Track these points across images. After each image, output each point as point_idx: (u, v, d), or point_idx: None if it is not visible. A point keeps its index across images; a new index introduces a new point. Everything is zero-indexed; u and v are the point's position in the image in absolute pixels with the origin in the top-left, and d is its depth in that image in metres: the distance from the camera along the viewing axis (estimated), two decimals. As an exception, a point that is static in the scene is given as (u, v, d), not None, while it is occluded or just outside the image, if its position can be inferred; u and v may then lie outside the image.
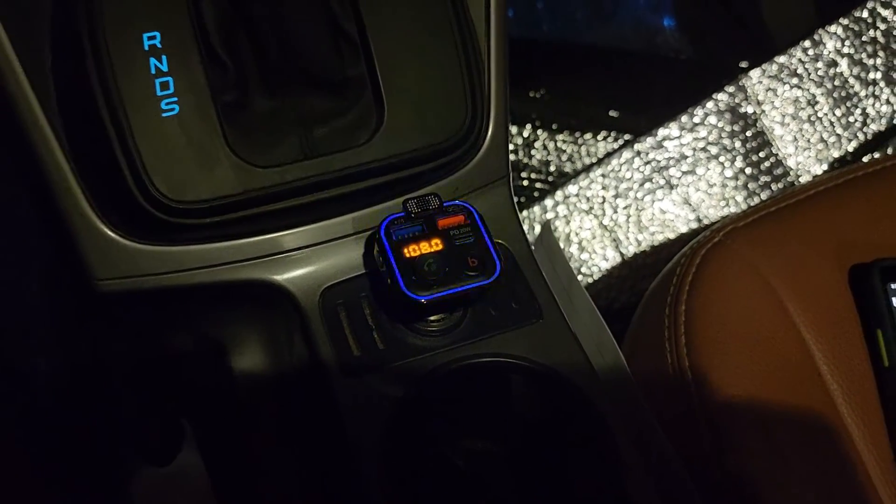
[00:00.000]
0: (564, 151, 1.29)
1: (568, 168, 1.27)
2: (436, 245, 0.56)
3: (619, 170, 1.17)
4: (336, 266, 0.62)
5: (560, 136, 1.30)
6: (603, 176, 1.18)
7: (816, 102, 1.15)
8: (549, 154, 1.29)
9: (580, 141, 1.30)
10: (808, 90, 1.15)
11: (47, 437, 0.63)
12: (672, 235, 1.16)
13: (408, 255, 0.55)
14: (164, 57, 0.55)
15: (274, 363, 0.63)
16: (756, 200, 1.16)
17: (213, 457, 0.63)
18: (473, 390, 0.59)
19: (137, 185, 0.55)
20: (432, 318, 0.59)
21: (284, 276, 0.61)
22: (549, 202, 1.18)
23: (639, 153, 1.17)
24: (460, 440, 0.57)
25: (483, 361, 0.59)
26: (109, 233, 0.57)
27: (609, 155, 1.19)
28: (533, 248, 0.67)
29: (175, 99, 0.55)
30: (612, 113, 1.34)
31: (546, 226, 0.71)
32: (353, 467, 0.56)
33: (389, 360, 0.59)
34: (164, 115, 0.55)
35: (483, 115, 0.63)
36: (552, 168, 1.28)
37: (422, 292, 0.54)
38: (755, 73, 1.16)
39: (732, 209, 1.16)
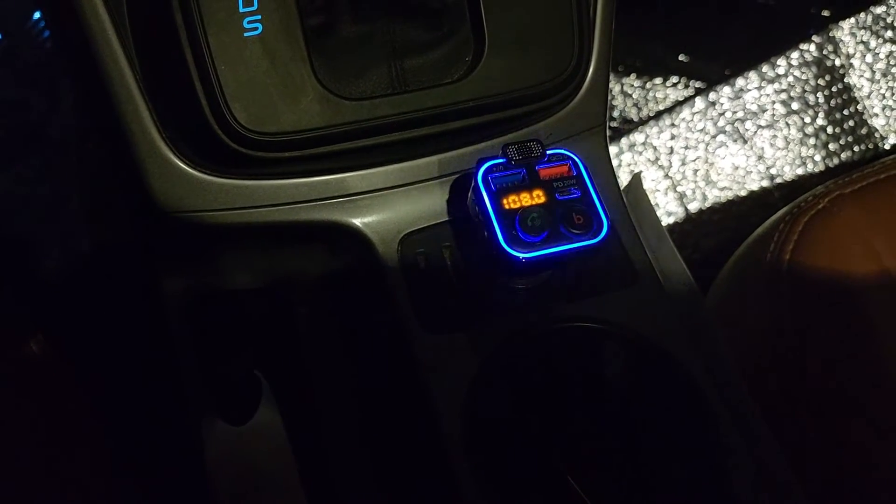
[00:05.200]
0: (630, 96, 1.22)
1: (633, 115, 1.21)
2: (538, 197, 0.50)
3: (691, 120, 1.11)
4: (418, 211, 0.57)
5: (626, 80, 1.23)
6: (672, 125, 1.11)
7: (912, 59, 1.08)
8: (613, 97, 1.22)
9: (647, 85, 1.22)
10: (904, 46, 1.07)
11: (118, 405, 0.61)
12: (742, 193, 1.10)
13: (507, 207, 0.50)
14: (248, -32, 0.49)
15: (345, 314, 0.59)
16: (836, 161, 1.09)
17: (288, 412, 0.59)
18: (562, 354, 0.55)
19: (214, 113, 0.50)
20: (522, 274, 0.54)
21: (362, 220, 0.56)
22: (613, 149, 1.12)
23: (713, 103, 1.10)
24: (545, 406, 0.53)
25: (573, 326, 0.55)
26: (179, 163, 0.53)
27: (680, 103, 1.12)
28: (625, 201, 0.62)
29: (259, 17, 0.50)
30: (682, 57, 1.27)
31: (636, 177, 0.66)
32: (434, 427, 0.52)
33: (473, 316, 0.55)
34: (245, 34, 0.50)
35: (587, 56, 0.58)
36: (616, 113, 1.21)
37: (522, 249, 0.49)
38: (846, 24, 1.08)
39: (809, 168, 1.09)
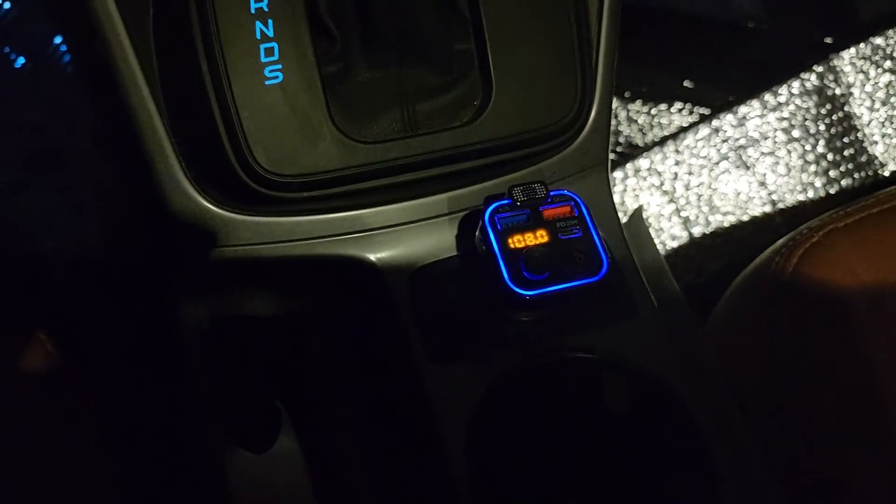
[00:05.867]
0: (635, 121, 1.25)
1: (639, 140, 1.23)
2: (541, 237, 0.53)
3: (695, 146, 1.13)
4: (428, 246, 0.60)
5: (631, 105, 1.26)
6: (677, 151, 1.14)
7: (911, 89, 1.10)
8: (619, 123, 1.24)
9: (653, 111, 1.25)
10: (903, 76, 1.10)
11: (135, 422, 0.63)
12: (745, 218, 1.12)
13: (512, 246, 0.53)
14: (270, 21, 0.53)
15: (357, 345, 0.62)
16: (836, 188, 1.11)
17: (305, 440, 0.62)
18: (563, 385, 0.57)
19: (237, 156, 0.53)
20: (526, 308, 0.57)
21: (375, 254, 0.59)
22: (618, 174, 1.14)
23: (717, 130, 1.13)
24: (547, 434, 0.56)
25: (575, 357, 0.57)
26: (202, 201, 0.56)
27: (684, 130, 1.15)
28: (626, 236, 0.65)
29: (279, 66, 0.53)
30: (687, 83, 1.29)
31: (638, 211, 0.69)
32: (440, 455, 0.54)
33: (479, 348, 0.57)
34: (267, 82, 0.53)
35: (590, 97, 0.60)
36: (621, 139, 1.24)
37: (526, 287, 0.52)
38: (847, 54, 1.11)
39: (810, 195, 1.12)
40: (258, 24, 0.52)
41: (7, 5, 1.14)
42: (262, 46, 0.52)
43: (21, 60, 1.15)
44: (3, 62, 1.14)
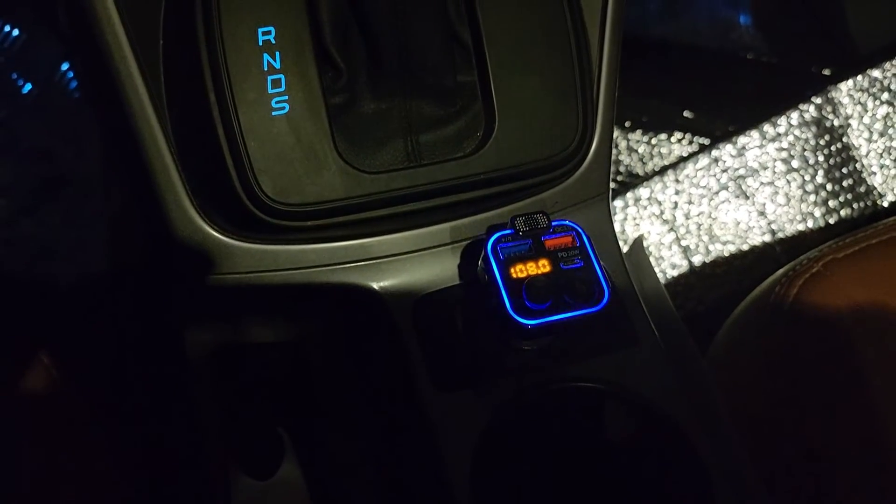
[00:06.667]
0: (636, 151, 1.26)
1: (639, 169, 1.24)
2: (543, 267, 0.54)
3: (695, 176, 1.14)
4: (431, 275, 0.60)
5: (632, 135, 1.27)
6: (677, 181, 1.15)
7: (908, 121, 1.11)
8: (619, 153, 1.26)
9: (653, 141, 1.26)
10: (900, 107, 1.11)
11: (139, 447, 0.63)
12: (745, 247, 1.13)
13: (515, 276, 0.53)
14: (277, 53, 0.54)
15: (361, 373, 0.62)
16: (835, 218, 1.12)
17: (307, 466, 0.62)
18: (566, 414, 0.57)
19: (242, 185, 0.53)
20: (528, 337, 0.58)
21: (379, 283, 0.60)
22: (618, 203, 1.15)
23: (716, 160, 1.14)
24: (550, 463, 0.56)
25: (577, 386, 0.58)
26: (208, 229, 0.56)
27: (684, 159, 1.16)
28: (627, 265, 0.65)
29: (286, 98, 0.54)
30: (687, 113, 1.31)
31: (638, 241, 0.69)
32: (443, 483, 0.55)
33: (481, 377, 0.58)
34: (273, 113, 0.54)
35: (591, 128, 0.61)
36: (622, 168, 1.25)
37: (528, 317, 0.52)
38: (845, 86, 1.12)
39: (809, 224, 1.12)
40: (266, 56, 0.53)
41: (15, 32, 1.16)
42: (270, 78, 0.53)
43: (28, 86, 1.16)
44: (11, 88, 1.15)
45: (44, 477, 0.61)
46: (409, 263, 0.60)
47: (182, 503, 0.64)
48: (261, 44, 0.53)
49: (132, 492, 0.60)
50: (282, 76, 0.54)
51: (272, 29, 0.53)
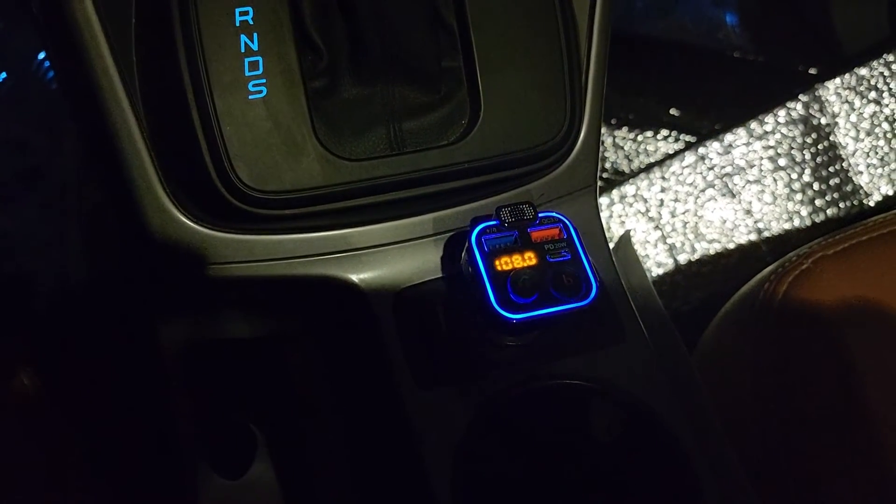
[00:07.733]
0: (622, 148, 1.25)
1: (625, 167, 1.23)
2: (529, 259, 0.52)
3: (681, 173, 1.13)
4: (413, 268, 0.58)
5: (618, 132, 1.26)
6: (663, 178, 1.14)
7: (895, 120, 1.11)
8: (605, 149, 1.24)
9: (639, 138, 1.25)
10: (887, 106, 1.11)
11: (109, 442, 0.61)
12: (731, 246, 1.12)
13: (500, 269, 0.51)
14: (255, 35, 0.51)
15: (339, 368, 0.60)
16: (822, 217, 1.11)
17: (281, 465, 0.60)
18: (550, 411, 0.56)
19: (217, 172, 0.51)
20: (512, 332, 0.56)
21: (358, 275, 0.58)
22: (604, 200, 1.14)
23: (703, 158, 1.13)
24: (533, 461, 0.54)
25: (562, 383, 0.56)
26: (181, 217, 0.54)
27: (671, 157, 1.15)
28: (614, 260, 0.64)
29: (263, 81, 0.52)
30: (673, 111, 1.30)
31: (626, 236, 0.68)
32: (423, 482, 0.53)
33: (464, 373, 0.56)
34: (250, 97, 0.52)
35: (579, 118, 0.60)
36: (608, 165, 1.24)
37: (513, 311, 0.50)
38: (832, 84, 1.11)
39: (796, 223, 1.11)
40: (243, 38, 0.51)
41: (-10, 22, 1.13)
42: (247, 60, 0.51)
43: (3, 75, 1.14)
44: (-15, 77, 1.12)
45: (13, 480, 0.59)
46: (390, 255, 0.58)
47: (152, 501, 0.62)
48: (238, 24, 0.51)
49: (102, 488, 0.58)
50: (260, 58, 0.52)
51: (250, 9, 0.51)
